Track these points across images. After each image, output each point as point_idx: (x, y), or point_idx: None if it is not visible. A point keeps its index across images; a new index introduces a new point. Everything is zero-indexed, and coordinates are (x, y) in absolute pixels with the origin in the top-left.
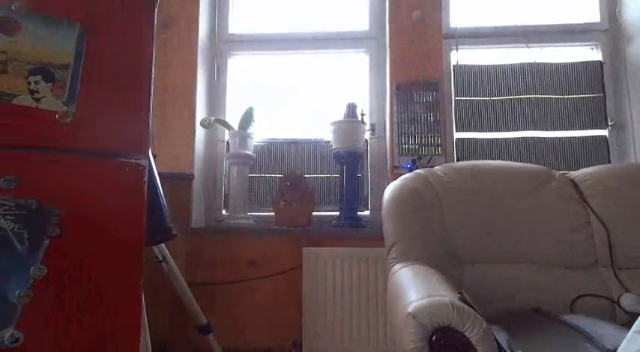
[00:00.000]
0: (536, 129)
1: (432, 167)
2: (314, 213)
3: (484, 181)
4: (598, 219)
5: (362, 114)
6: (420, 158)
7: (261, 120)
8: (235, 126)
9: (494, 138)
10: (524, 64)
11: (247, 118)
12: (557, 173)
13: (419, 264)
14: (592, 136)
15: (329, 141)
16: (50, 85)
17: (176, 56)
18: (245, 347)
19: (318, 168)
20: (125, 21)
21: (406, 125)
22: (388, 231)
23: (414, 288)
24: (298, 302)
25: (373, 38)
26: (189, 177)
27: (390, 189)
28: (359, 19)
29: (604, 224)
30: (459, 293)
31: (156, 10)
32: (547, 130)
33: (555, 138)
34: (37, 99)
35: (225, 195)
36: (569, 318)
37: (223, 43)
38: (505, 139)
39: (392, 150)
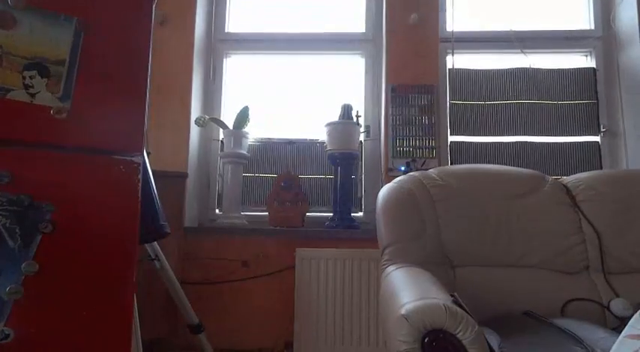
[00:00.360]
0: (529, 134)
1: (426, 170)
2: (308, 214)
3: (478, 185)
4: (590, 224)
5: (357, 116)
6: (414, 160)
7: (257, 120)
8: (230, 125)
9: (488, 142)
10: (519, 69)
11: (242, 118)
12: (550, 178)
13: (412, 266)
14: (585, 142)
15: (324, 142)
16: (46, 80)
17: (172, 54)
18: (236, 347)
19: (312, 169)
20: (123, 17)
21: (401, 127)
22: (382, 232)
23: (407, 290)
24: (291, 302)
25: (369, 41)
26: (183, 176)
27: (384, 191)
28: (355, 22)
29: (595, 229)
30: (451, 295)
31: (154, 6)
32: (540, 135)
33: (548, 143)
34: (32, 95)
35: (219, 194)
36: (560, 322)
37: (220, 42)
38: (499, 143)
39: (386, 152)
